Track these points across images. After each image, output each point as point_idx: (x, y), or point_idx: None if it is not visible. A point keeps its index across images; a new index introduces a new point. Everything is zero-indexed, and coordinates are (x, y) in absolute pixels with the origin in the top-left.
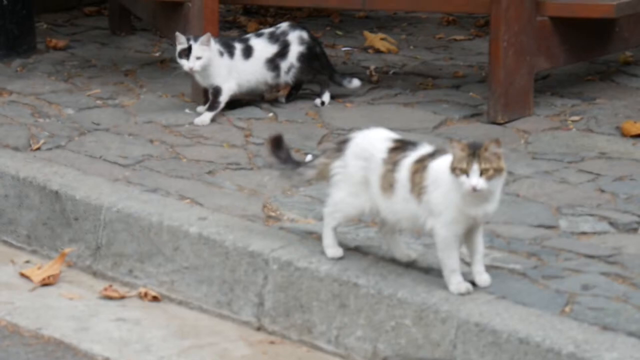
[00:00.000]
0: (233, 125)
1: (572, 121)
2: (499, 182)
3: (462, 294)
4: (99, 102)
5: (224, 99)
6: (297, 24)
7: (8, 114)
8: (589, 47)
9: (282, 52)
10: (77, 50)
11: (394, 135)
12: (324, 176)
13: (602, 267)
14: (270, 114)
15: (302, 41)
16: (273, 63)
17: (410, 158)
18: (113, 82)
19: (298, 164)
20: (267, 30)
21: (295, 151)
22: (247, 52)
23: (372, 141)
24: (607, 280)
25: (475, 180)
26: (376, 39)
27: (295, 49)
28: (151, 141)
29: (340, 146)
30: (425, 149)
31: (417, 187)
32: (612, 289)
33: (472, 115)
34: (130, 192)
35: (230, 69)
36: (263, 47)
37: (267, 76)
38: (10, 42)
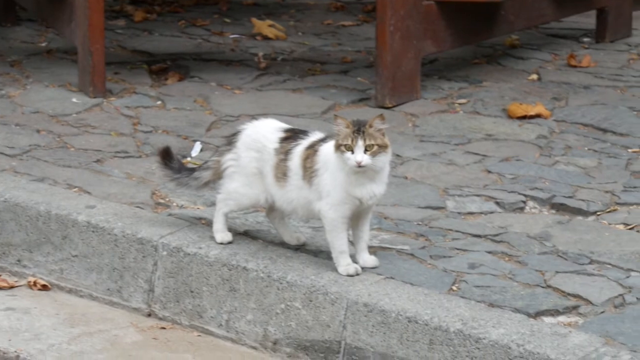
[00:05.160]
0: (121, 114)
1: (459, 104)
2: (384, 159)
3: (350, 276)
4: None
5: None
6: None
7: None
8: (475, 30)
9: None
10: None
11: (285, 125)
12: (219, 175)
13: (489, 246)
14: (159, 102)
15: None
16: None
17: (301, 146)
18: None
19: (192, 170)
20: None
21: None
22: None
23: (263, 132)
24: (494, 259)
25: (360, 156)
26: (264, 26)
27: None
28: (38, 131)
29: (230, 139)
30: (316, 135)
31: (309, 172)
32: (498, 267)
33: (361, 100)
34: (18, 181)
35: None
36: None
37: None
38: None
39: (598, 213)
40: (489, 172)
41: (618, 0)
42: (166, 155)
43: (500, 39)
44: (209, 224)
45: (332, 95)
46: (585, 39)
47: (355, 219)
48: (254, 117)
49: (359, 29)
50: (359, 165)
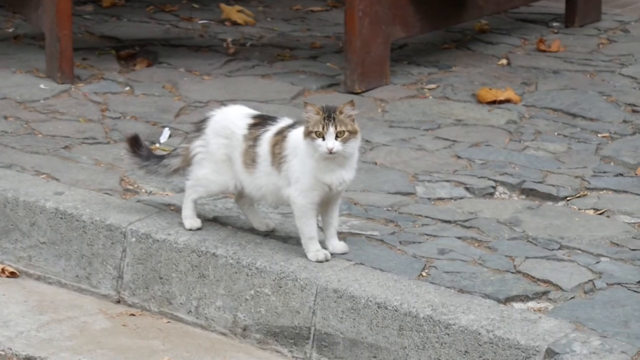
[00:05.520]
0: (89, 100)
1: (429, 89)
2: (354, 145)
3: (320, 262)
4: None
5: None
6: None
7: None
8: (444, 15)
9: None
10: None
11: (253, 112)
12: (189, 162)
13: (459, 232)
14: (127, 88)
15: None
16: None
17: (270, 132)
18: None
19: (161, 157)
20: None
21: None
22: None
23: (231, 119)
24: (463, 245)
25: (331, 143)
26: (233, 12)
27: None
28: (5, 117)
29: (199, 125)
30: (285, 121)
31: (277, 157)
32: (468, 252)
33: (330, 86)
34: None
35: None
36: None
37: None
38: None
39: (568, 198)
40: (459, 157)
41: None
42: (134, 143)
43: (469, 23)
44: (178, 210)
45: (301, 81)
46: (555, 24)
47: (324, 205)
48: (223, 103)
49: (328, 14)
50: (331, 152)
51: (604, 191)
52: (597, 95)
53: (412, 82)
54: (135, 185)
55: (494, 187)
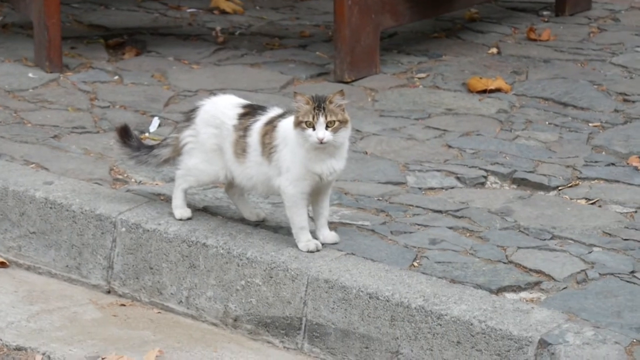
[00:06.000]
0: (78, 89)
1: (419, 78)
2: (344, 135)
3: (311, 252)
4: None
5: None
6: None
7: None
8: (434, 4)
9: None
10: None
11: (243, 101)
12: (179, 152)
13: (450, 222)
14: (116, 77)
15: None
16: None
17: (260, 122)
18: None
19: (151, 147)
20: None
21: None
22: None
23: (221, 108)
24: (455, 234)
25: (322, 133)
26: (221, 0)
27: None
28: None
29: (189, 115)
30: (274, 111)
31: (268, 147)
32: (459, 242)
33: (319, 75)
34: None
35: None
36: None
37: None
38: None
39: (559, 188)
40: (450, 147)
41: None
42: (124, 133)
43: (459, 12)
44: (168, 200)
45: (290, 70)
46: (545, 13)
47: (315, 195)
48: (212, 92)
49: (317, 3)
50: (321, 142)
51: (596, 181)
52: (588, 84)
53: (402, 71)
54: (125, 175)
55: (485, 177)
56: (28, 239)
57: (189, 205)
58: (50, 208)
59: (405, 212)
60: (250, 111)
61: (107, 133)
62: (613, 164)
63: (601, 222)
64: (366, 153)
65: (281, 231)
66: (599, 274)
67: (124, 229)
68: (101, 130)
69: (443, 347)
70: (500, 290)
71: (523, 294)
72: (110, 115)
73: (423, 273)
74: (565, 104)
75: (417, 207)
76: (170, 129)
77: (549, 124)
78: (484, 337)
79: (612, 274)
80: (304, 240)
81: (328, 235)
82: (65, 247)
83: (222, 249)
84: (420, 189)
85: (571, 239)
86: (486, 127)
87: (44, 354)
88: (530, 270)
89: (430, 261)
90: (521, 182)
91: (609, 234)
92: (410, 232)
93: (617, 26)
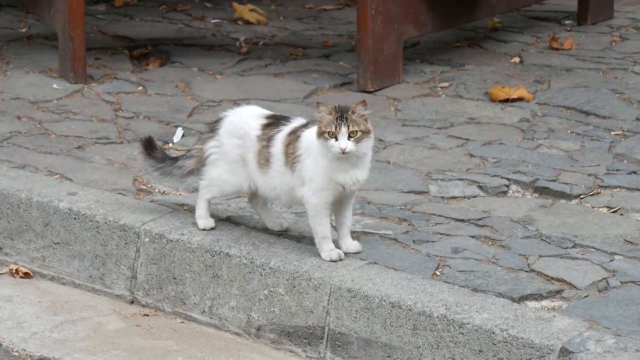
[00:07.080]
0: (102, 100)
1: (441, 87)
2: (367, 145)
3: (334, 261)
4: None
5: None
6: None
7: None
8: (457, 13)
9: None
10: None
11: (267, 112)
12: (203, 163)
13: (472, 231)
14: (140, 88)
15: None
16: None
17: (283, 132)
18: None
19: (176, 158)
20: None
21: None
22: None
23: (245, 119)
24: (477, 243)
25: (344, 143)
26: (245, 10)
27: None
28: (19, 117)
29: (213, 126)
30: (298, 121)
31: (291, 157)
32: (481, 251)
33: (343, 84)
34: None
35: None
36: None
37: None
38: None
39: (581, 196)
40: (472, 155)
41: None
42: (149, 145)
43: (482, 22)
44: (191, 210)
45: (314, 80)
46: (567, 22)
47: (338, 205)
48: (235, 102)
49: (340, 12)
50: (343, 152)
51: (617, 189)
52: (610, 92)
53: (424, 81)
54: (149, 185)
55: (507, 186)
56: (52, 249)
57: (212, 215)
58: (74, 219)
59: (428, 221)
60: (274, 121)
61: (130, 143)
62: (635, 172)
63: (622, 230)
64: (389, 162)
65: (304, 241)
66: (621, 282)
67: (147, 239)
68: (125, 140)
69: (465, 356)
70: (522, 298)
71: (545, 303)
72: (134, 125)
73: (445, 282)
74: (587, 113)
75: (439, 216)
76: (194, 140)
77: (571, 132)
78: (506, 345)
79: (633, 282)
80: (327, 250)
81: (351, 244)
82: (89, 258)
83: (245, 258)
84: (442, 198)
85: (593, 247)
86: (508, 136)
87: None
88: (552, 278)
89: (453, 270)
90: (543, 191)
91: (631, 242)
92: (433, 241)
93: (639, 35)
